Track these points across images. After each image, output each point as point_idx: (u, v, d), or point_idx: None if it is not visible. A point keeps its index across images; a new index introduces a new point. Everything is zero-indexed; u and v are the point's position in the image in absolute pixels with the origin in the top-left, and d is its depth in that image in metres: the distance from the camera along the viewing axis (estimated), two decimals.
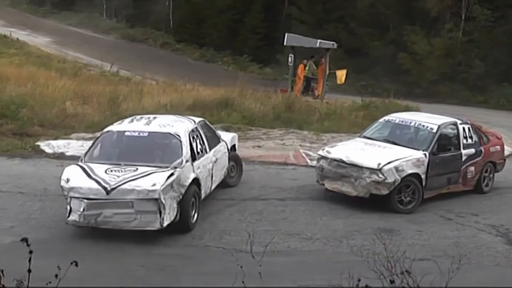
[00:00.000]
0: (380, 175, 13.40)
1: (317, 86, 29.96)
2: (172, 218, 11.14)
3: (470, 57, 40.47)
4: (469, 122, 16.15)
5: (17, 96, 19.96)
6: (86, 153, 12.13)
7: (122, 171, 11.27)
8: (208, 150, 13.14)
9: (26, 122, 18.38)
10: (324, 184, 14.34)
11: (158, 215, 10.85)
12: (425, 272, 5.75)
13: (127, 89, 24.48)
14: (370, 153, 14.12)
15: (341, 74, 29.65)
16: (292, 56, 29.31)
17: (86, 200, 10.81)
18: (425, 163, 14.06)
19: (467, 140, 15.33)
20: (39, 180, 12.77)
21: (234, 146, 15.52)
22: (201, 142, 12.94)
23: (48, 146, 16.97)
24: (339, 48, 32.61)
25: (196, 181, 12.00)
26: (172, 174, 11.18)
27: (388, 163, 13.52)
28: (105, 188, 10.84)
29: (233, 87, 23.92)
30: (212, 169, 13.23)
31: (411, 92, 37.70)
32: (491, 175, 16.11)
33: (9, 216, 11.91)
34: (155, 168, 11.35)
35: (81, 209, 10.82)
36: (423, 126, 15.08)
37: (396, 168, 13.51)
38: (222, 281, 7.37)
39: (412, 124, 15.32)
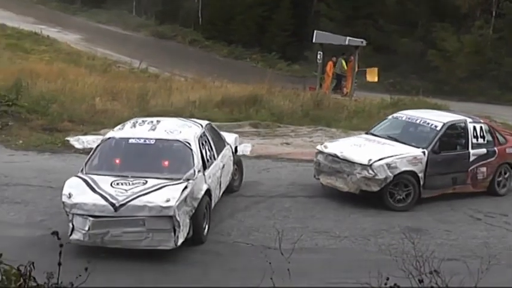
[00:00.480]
0: (370, 171, 13.27)
1: (346, 83, 29.90)
2: (185, 235, 10.27)
3: (500, 54, 40.18)
4: (481, 121, 15.77)
5: (47, 92, 20.13)
6: (87, 162, 11.16)
7: (129, 185, 10.33)
8: (216, 156, 12.28)
9: (56, 118, 18.52)
10: (319, 179, 14.28)
11: (172, 233, 9.96)
12: (454, 272, 5.73)
13: (156, 85, 24.58)
14: (365, 150, 14.02)
15: (372, 72, 29.57)
16: (321, 53, 29.23)
17: (91, 218, 9.87)
18: (424, 161, 13.81)
19: (477, 140, 14.86)
20: (69, 175, 12.69)
21: (236, 148, 14.52)
22: (210, 148, 12.08)
23: (78, 141, 17.07)
24: (368, 46, 32.46)
25: (208, 192, 11.09)
26: (186, 187, 10.27)
27: (380, 159, 13.38)
28: (112, 204, 9.87)
29: (261, 84, 23.91)
30: (220, 176, 12.40)
31: (440, 89, 37.38)
32: (507, 177, 15.49)
33: (39, 210, 12.02)
34: (166, 181, 10.44)
35: (86, 228, 9.88)
36: (428, 123, 14.77)
37: (388, 165, 13.36)
38: (250, 277, 7.37)
39: (418, 122, 15.05)
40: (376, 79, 29.80)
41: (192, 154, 11.07)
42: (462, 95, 37.20)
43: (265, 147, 17.83)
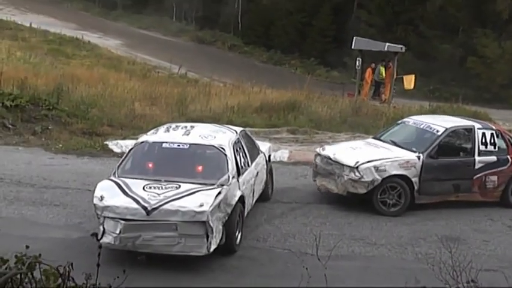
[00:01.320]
0: (356, 173, 13.18)
1: (384, 90, 29.78)
2: (218, 242, 10.04)
3: None
4: (494, 127, 15.17)
5: (87, 97, 20.38)
6: (119, 165, 11.07)
7: (162, 189, 10.19)
8: (250, 163, 12.14)
9: (95, 122, 18.73)
10: (315, 181, 14.29)
11: (205, 239, 9.76)
12: (491, 283, 5.67)
13: (195, 90, 24.71)
14: (357, 152, 13.91)
15: (409, 79, 29.41)
16: (360, 59, 29.20)
17: (122, 221, 9.71)
18: (418, 166, 13.52)
19: (486, 147, 14.25)
20: None
21: (269, 156, 14.37)
22: (244, 155, 11.93)
23: (116, 145, 17.23)
24: (407, 52, 32.37)
25: (241, 199, 10.91)
26: (219, 193, 10.08)
27: (367, 162, 13.26)
28: (145, 208, 9.71)
29: (300, 90, 23.96)
30: (254, 184, 12.23)
31: (480, 96, 37.15)
32: None
33: (78, 212, 12.14)
34: (200, 186, 10.27)
35: (117, 231, 9.72)
36: (430, 128, 14.41)
37: (376, 168, 13.20)
38: (287, 283, 7.37)
39: (422, 127, 14.71)
40: (412, 86, 29.62)
41: (227, 160, 10.94)
42: (503, 103, 36.92)
43: (303, 153, 17.78)
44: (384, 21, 45.59)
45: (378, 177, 13.19)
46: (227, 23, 56.34)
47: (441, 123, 14.68)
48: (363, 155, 13.66)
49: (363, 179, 13.16)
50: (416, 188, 13.52)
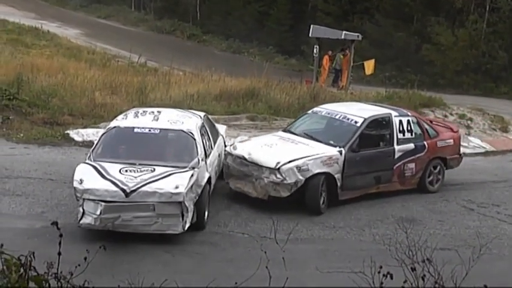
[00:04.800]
0: (278, 175, 12.22)
1: (341, 77, 30.07)
2: (191, 220, 10.70)
3: (494, 48, 40.47)
4: (409, 114, 14.72)
5: (47, 86, 20.20)
6: (93, 150, 11.55)
7: (138, 172, 10.73)
8: (213, 145, 12.67)
9: (56, 111, 18.61)
10: (228, 183, 13.26)
11: (181, 218, 10.44)
12: (446, 261, 5.84)
13: (155, 79, 24.64)
14: (275, 151, 12.92)
15: (369, 65, 29.75)
16: (317, 47, 29.37)
17: (103, 203, 10.20)
18: (340, 161, 12.77)
19: (404, 135, 13.89)
20: (69, 167, 12.88)
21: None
22: (208, 138, 12.45)
23: (78, 134, 17.20)
24: (364, 40, 32.69)
25: (209, 179, 11.56)
26: (192, 175, 10.73)
27: (288, 162, 12.30)
28: (124, 190, 10.26)
29: (259, 78, 24.00)
30: (217, 165, 12.83)
31: (435, 83, 37.72)
32: (439, 173, 14.72)
33: (40, 202, 12.16)
34: (172, 169, 10.85)
35: (98, 212, 10.20)
36: (348, 119, 13.65)
37: (298, 168, 12.26)
38: (247, 267, 7.53)
39: (338, 117, 13.88)
40: (372, 71, 29.97)
41: (195, 143, 11.56)
42: (457, 88, 37.59)
43: None
44: (341, 10, 45.92)
45: (301, 177, 12.28)
46: (186, 12, 56.13)
47: (357, 112, 13.98)
48: (282, 153, 12.67)
49: (285, 181, 12.23)
50: (339, 184, 12.81)
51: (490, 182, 15.89)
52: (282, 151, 12.86)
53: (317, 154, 12.68)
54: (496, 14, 40.96)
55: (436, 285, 5.04)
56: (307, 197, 12.47)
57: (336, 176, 12.74)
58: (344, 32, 29.19)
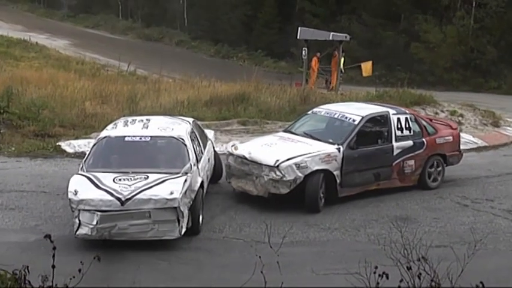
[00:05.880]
0: (278, 172, 12.51)
1: (331, 78, 30.12)
2: (186, 225, 10.73)
3: (482, 43, 40.73)
4: (407, 111, 15.04)
5: (37, 98, 20.15)
6: (85, 160, 11.58)
7: (131, 180, 10.77)
8: (203, 150, 12.75)
9: (47, 123, 18.55)
10: (230, 182, 13.58)
11: (177, 224, 10.49)
12: (441, 258, 5.84)
13: (144, 87, 24.66)
14: (274, 149, 13.21)
15: (366, 67, 29.80)
16: (306, 49, 29.45)
17: (99, 213, 10.20)
18: (339, 158, 13.01)
19: (402, 132, 14.14)
20: (61, 179, 12.87)
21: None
22: (198, 143, 12.55)
23: (69, 145, 17.14)
24: (352, 40, 32.79)
25: (202, 184, 11.64)
26: (186, 180, 10.79)
27: (287, 160, 12.57)
28: (119, 199, 10.28)
29: (249, 82, 24.03)
30: (208, 169, 12.94)
31: (425, 80, 37.92)
32: (439, 169, 14.87)
33: (34, 215, 12.08)
34: (166, 175, 10.91)
35: (94, 222, 10.20)
36: (346, 118, 13.95)
37: (297, 165, 12.52)
38: (242, 272, 7.52)
39: (337, 116, 14.20)
40: (370, 73, 30.03)
41: (187, 149, 11.63)
42: (447, 85, 37.80)
43: None
44: (328, 11, 46.06)
45: (300, 174, 12.53)
46: (173, 19, 56.25)
47: (356, 111, 14.29)
48: (282, 152, 12.97)
49: (284, 178, 12.49)
50: (338, 181, 13.05)
51: (483, 177, 15.90)
52: (281, 149, 13.16)
53: (315, 152, 12.94)
54: (483, 9, 41.16)
55: (432, 283, 5.05)
56: (307, 194, 12.65)
57: (334, 173, 12.97)
58: (332, 33, 29.33)
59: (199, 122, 14.83)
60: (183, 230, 10.63)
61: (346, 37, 29.46)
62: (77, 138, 17.89)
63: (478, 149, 19.83)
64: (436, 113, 22.85)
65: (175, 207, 10.41)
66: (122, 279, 9.21)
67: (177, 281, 9.29)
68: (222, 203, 13.01)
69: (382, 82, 35.46)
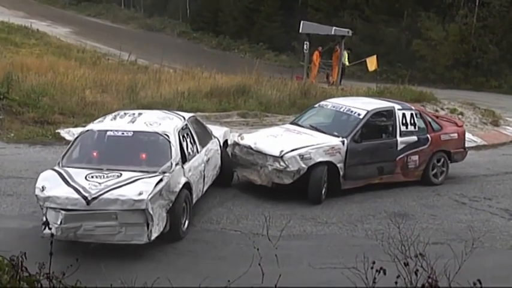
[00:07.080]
0: (282, 163, 12.67)
1: (332, 72, 30.09)
2: (161, 229, 10.01)
3: (484, 42, 40.63)
4: (412, 107, 15.17)
5: (37, 85, 20.15)
6: (64, 155, 10.86)
7: (104, 178, 9.95)
8: (199, 149, 12.05)
9: (46, 110, 18.54)
10: (235, 171, 13.78)
11: (145, 228, 9.61)
12: (438, 255, 5.83)
13: (145, 77, 24.60)
14: (279, 140, 13.39)
15: (372, 61, 29.75)
16: (307, 43, 29.43)
17: (63, 212, 9.41)
18: (343, 151, 13.19)
19: (407, 127, 14.28)
20: None
21: (226, 141, 14.28)
22: (192, 141, 11.83)
23: (68, 133, 17.15)
24: (354, 36, 32.76)
25: (187, 185, 10.80)
26: (161, 180, 9.93)
27: (292, 150, 12.74)
28: (85, 198, 9.43)
29: (249, 75, 24.00)
30: (204, 170, 12.08)
31: (426, 77, 37.89)
32: (443, 166, 14.98)
33: (32, 202, 11.91)
34: (141, 174, 10.08)
35: (59, 222, 9.39)
36: (352, 112, 14.11)
37: (301, 156, 12.69)
38: (239, 264, 7.51)
39: (342, 110, 14.37)
40: (375, 67, 29.97)
41: (170, 146, 10.78)
42: (448, 83, 37.77)
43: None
44: (331, 5, 45.95)
45: (303, 165, 12.68)
46: (175, 9, 56.13)
47: (361, 105, 14.43)
48: (286, 143, 13.14)
49: (288, 169, 12.65)
50: (341, 173, 13.21)
51: (482, 175, 15.93)
52: (286, 141, 13.34)
53: (320, 144, 13.13)
54: (486, 8, 41.10)
55: (429, 280, 5.04)
56: (310, 185, 12.81)
57: (338, 165, 13.15)
58: (334, 27, 29.26)
59: (199, 114, 14.71)
60: (154, 235, 9.77)
61: (348, 32, 29.45)
62: (76, 126, 17.85)
63: (477, 147, 19.84)
64: (436, 111, 22.82)
65: (143, 209, 9.52)
66: (118, 268, 9.08)
67: (173, 272, 9.13)
68: (220, 195, 12.99)
69: (383, 78, 35.40)
